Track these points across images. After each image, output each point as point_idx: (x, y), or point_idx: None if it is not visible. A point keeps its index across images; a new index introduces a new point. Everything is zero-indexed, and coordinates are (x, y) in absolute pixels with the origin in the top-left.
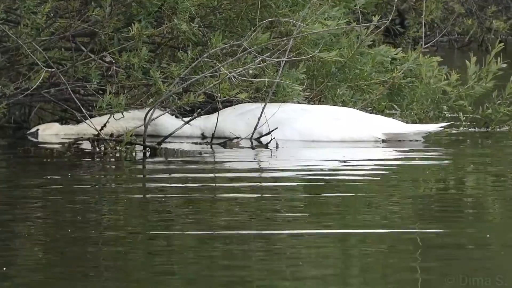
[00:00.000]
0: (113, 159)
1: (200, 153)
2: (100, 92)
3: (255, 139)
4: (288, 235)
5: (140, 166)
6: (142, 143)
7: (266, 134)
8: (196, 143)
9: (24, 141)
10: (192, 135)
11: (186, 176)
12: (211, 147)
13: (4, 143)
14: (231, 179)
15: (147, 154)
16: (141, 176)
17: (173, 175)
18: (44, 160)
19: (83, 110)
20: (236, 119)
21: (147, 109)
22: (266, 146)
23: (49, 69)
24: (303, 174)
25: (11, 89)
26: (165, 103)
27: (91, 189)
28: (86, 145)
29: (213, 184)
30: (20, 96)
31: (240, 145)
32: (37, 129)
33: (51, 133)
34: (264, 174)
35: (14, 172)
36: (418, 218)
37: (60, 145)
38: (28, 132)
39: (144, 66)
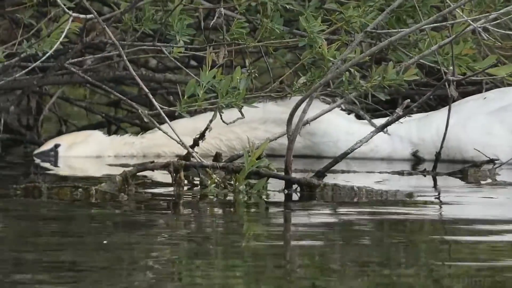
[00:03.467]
0: (217, 209)
1: (411, 195)
2: (192, 63)
3: None
4: None
5: (280, 229)
6: (283, 174)
7: None
8: (399, 173)
9: (27, 169)
10: (392, 155)
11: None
12: (434, 182)
13: None
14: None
15: (296, 195)
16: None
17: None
18: (70, 212)
19: (156, 104)
20: (489, 122)
21: (295, 99)
22: None
23: (80, 16)
24: None
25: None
26: (335, 86)
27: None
28: (163, 177)
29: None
30: (16, 75)
31: (497, 178)
32: (56, 145)
33: (84, 153)
34: None
35: (7, 236)
36: None
37: (106, 180)
38: (36, 151)
39: None
